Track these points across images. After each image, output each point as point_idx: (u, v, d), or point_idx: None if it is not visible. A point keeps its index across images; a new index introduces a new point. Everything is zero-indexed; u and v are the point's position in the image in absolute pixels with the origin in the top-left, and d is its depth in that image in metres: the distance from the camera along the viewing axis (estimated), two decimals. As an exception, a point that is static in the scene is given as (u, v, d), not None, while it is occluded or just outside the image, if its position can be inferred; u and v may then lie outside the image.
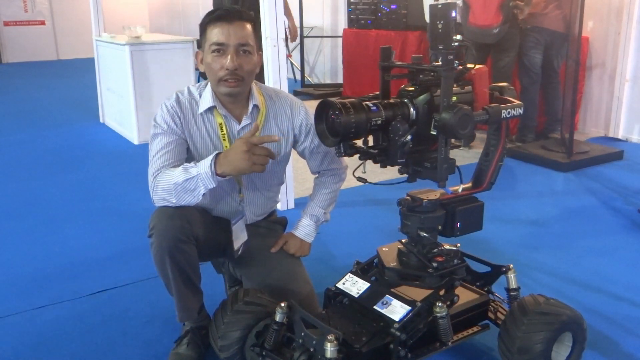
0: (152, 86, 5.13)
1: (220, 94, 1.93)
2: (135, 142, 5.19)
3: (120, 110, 5.57)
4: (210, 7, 2.95)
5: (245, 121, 1.98)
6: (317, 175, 2.21)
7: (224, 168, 1.71)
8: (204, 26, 1.89)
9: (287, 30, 5.06)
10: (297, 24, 5.68)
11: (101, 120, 6.16)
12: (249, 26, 1.88)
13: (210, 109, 1.95)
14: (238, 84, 1.88)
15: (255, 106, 1.98)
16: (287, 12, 5.11)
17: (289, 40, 5.13)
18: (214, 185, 1.73)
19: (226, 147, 1.95)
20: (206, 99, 1.94)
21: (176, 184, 1.74)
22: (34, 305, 2.40)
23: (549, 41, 4.53)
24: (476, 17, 4.43)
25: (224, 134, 1.95)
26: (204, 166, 1.72)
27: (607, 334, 2.11)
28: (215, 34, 1.84)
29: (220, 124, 1.95)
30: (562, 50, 4.57)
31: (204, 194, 1.76)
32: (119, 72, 5.30)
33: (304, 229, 2.16)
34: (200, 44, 1.94)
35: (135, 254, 2.82)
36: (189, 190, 1.74)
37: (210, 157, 1.73)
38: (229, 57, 1.83)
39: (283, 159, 2.11)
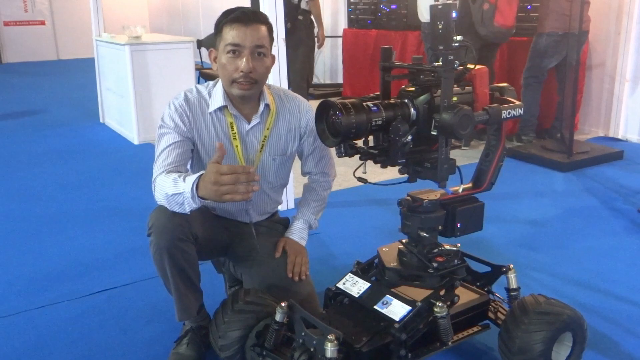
0: (152, 86, 5.13)
1: (232, 95, 1.93)
2: (135, 142, 5.18)
3: (120, 110, 5.57)
4: (209, 7, 2.94)
5: (254, 120, 1.98)
6: (307, 180, 2.24)
7: (203, 193, 1.59)
8: (220, 25, 1.87)
9: (317, 37, 5.70)
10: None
11: (101, 120, 6.15)
12: (264, 28, 1.88)
13: (220, 109, 1.95)
14: (251, 86, 1.88)
15: (267, 105, 1.99)
16: (319, 21, 5.55)
17: (316, 46, 5.73)
18: (198, 206, 1.64)
19: (236, 146, 1.96)
20: (217, 98, 1.94)
21: (167, 194, 1.70)
22: (34, 305, 2.40)
23: (572, 42, 4.46)
24: (505, 17, 4.39)
25: (235, 133, 1.96)
26: (188, 185, 1.61)
27: (607, 334, 2.11)
28: (231, 35, 1.83)
29: (231, 124, 1.96)
30: (581, 46, 4.46)
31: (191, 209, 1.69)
32: (119, 72, 5.30)
33: (300, 233, 2.16)
34: (214, 42, 1.92)
35: (135, 254, 2.82)
36: (178, 202, 1.68)
37: (194, 178, 1.60)
38: (244, 59, 1.83)
39: (289, 160, 2.12)
